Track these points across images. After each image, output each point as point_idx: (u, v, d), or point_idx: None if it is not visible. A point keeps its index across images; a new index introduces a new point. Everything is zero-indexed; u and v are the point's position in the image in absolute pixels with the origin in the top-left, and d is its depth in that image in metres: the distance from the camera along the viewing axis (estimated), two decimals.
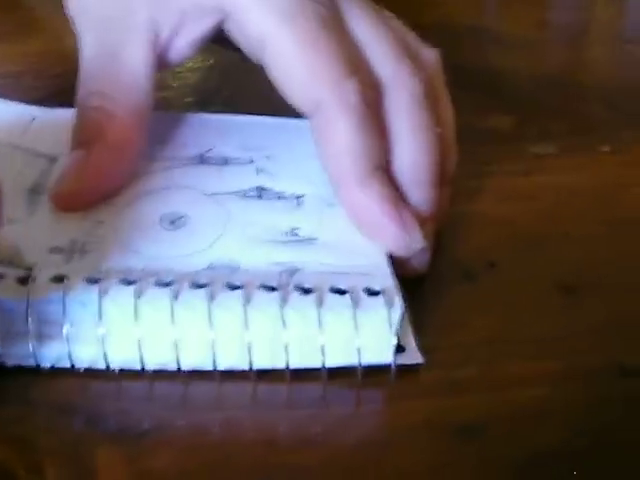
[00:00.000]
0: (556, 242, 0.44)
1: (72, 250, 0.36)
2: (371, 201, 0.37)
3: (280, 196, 0.40)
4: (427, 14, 0.70)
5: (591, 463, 0.32)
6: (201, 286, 0.34)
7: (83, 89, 0.41)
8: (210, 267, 0.36)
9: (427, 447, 0.33)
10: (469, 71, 0.57)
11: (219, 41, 0.42)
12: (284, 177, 0.41)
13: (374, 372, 0.35)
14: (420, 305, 0.38)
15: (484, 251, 0.42)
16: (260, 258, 0.36)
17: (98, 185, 0.39)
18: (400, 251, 0.38)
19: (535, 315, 0.39)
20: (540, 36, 0.71)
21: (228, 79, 0.56)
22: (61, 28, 0.56)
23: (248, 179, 0.41)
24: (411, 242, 0.37)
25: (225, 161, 0.42)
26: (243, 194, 0.40)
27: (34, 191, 0.40)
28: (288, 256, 0.37)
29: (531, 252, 0.43)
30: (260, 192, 0.40)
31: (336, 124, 0.37)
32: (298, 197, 0.40)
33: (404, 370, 0.35)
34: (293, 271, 0.36)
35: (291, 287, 0.35)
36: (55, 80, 0.54)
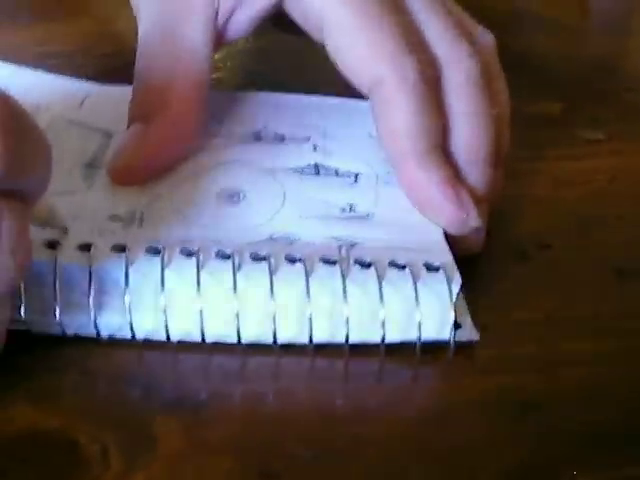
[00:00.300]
0: (610, 225, 0.44)
1: (131, 219, 0.37)
2: (429, 180, 0.37)
3: (337, 173, 0.40)
4: None
5: None
6: (262, 259, 0.34)
7: (141, 64, 0.41)
8: (270, 239, 0.36)
9: (484, 423, 0.33)
10: (515, 55, 0.56)
11: (278, 24, 0.42)
12: (340, 155, 0.42)
13: (431, 348, 0.35)
14: (475, 284, 0.38)
15: (538, 233, 0.42)
16: (318, 232, 0.37)
17: (156, 159, 0.39)
18: (456, 229, 0.38)
19: (590, 296, 0.39)
20: (583, 22, 0.70)
21: (279, 61, 0.56)
22: (112, 9, 0.57)
23: (305, 156, 0.41)
24: (467, 220, 0.38)
25: (282, 138, 0.43)
26: (300, 171, 0.40)
27: (91, 165, 0.40)
28: (346, 231, 0.37)
29: (585, 234, 0.43)
30: (317, 169, 0.41)
31: (395, 101, 0.37)
32: (355, 174, 0.40)
33: (460, 347, 0.35)
34: (352, 245, 0.36)
35: (351, 261, 0.35)
36: (106, 59, 0.54)
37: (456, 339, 0.35)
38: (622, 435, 0.33)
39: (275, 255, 0.35)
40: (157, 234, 0.36)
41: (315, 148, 0.42)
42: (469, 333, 0.35)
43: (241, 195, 0.39)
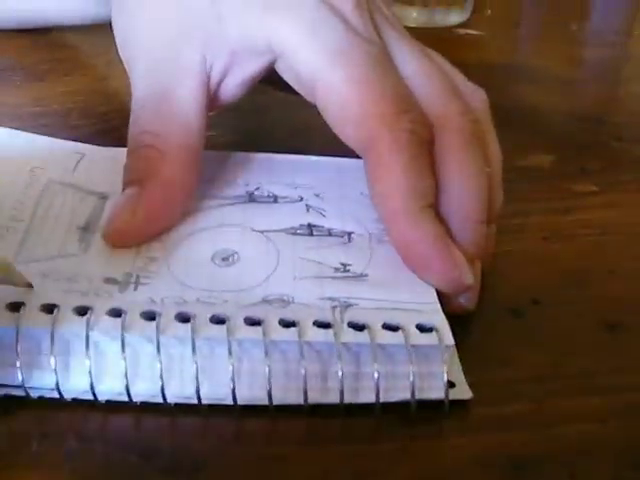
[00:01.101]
0: (600, 279, 0.44)
1: (127, 282, 0.37)
2: (421, 239, 0.38)
3: (330, 233, 0.41)
4: (462, 53, 0.70)
5: None
6: (256, 323, 0.35)
7: (135, 128, 0.41)
8: (264, 300, 0.36)
9: None
10: (506, 109, 0.57)
11: (270, 82, 0.43)
12: (333, 214, 0.42)
13: (425, 407, 0.35)
14: (467, 342, 0.38)
15: (529, 289, 0.43)
16: (313, 293, 0.37)
17: (151, 223, 0.40)
18: (449, 288, 0.38)
19: (581, 351, 0.39)
20: (575, 73, 0.71)
21: (273, 118, 0.57)
22: (105, 68, 0.58)
23: (298, 216, 0.42)
24: (461, 279, 0.38)
25: (274, 199, 0.43)
26: (294, 231, 0.41)
27: (86, 229, 0.40)
28: (340, 292, 0.37)
29: (575, 289, 0.43)
30: (310, 229, 0.41)
31: (388, 162, 0.38)
32: (349, 234, 0.41)
33: (454, 406, 0.36)
34: (346, 306, 0.36)
35: (345, 324, 0.35)
36: (100, 119, 0.55)
37: (450, 398, 0.35)
38: None
39: (269, 318, 0.35)
40: (153, 295, 0.36)
41: (308, 209, 0.42)
42: (463, 391, 0.36)
43: (235, 257, 0.39)
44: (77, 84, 0.60)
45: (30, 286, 0.35)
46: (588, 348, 0.40)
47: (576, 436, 0.35)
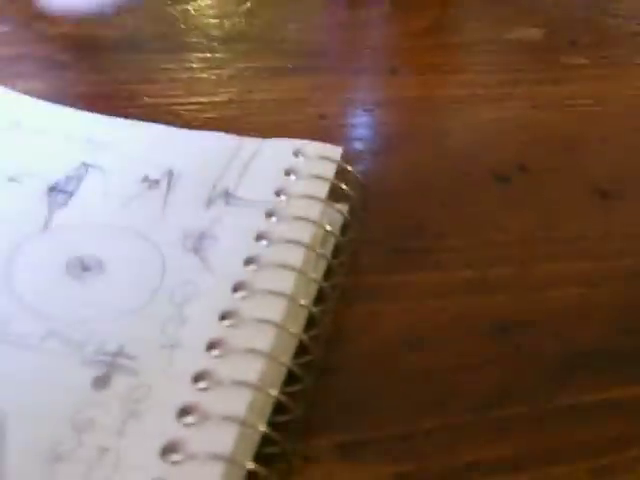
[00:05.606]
0: (591, 147, 0.42)
1: None
2: None
3: None
4: None
5: (634, 361, 0.31)
6: None
7: None
8: None
9: (464, 344, 0.31)
10: None
11: None
12: None
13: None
14: (454, 207, 0.36)
15: (516, 154, 0.40)
16: None
17: None
18: None
19: (570, 217, 0.37)
20: None
21: None
22: None
23: None
24: None
25: None
26: None
27: None
28: None
29: (566, 156, 0.41)
30: None
31: None
32: None
33: (435, 267, 0.33)
34: None
35: None
36: None
37: None
38: (606, 356, 0.31)
39: None
40: None
41: None
42: None
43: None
44: None
45: None
46: (577, 214, 0.37)
47: (563, 300, 0.33)
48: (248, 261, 0.31)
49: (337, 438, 0.28)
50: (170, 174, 0.35)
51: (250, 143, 0.37)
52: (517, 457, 0.28)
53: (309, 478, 0.26)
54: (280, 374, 0.28)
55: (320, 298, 0.31)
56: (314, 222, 0.32)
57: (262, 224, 0.32)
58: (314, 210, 0.33)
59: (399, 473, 0.27)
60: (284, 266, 0.30)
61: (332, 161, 0.35)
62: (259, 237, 0.32)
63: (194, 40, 0.48)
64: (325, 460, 0.27)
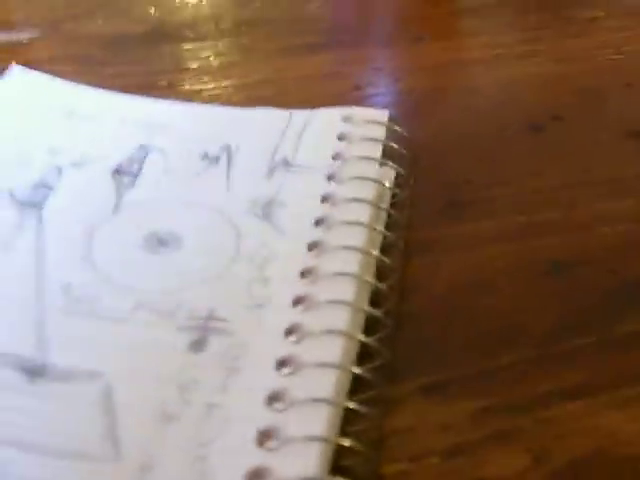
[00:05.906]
0: (619, 93, 0.43)
1: None
2: None
3: None
4: None
5: None
6: None
7: None
8: None
9: (521, 286, 0.33)
10: None
11: None
12: None
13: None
14: (495, 160, 0.38)
15: (547, 106, 0.42)
16: None
17: None
18: None
19: (606, 159, 0.39)
20: None
21: None
22: None
23: None
24: None
25: None
26: None
27: None
28: None
29: (595, 103, 0.42)
30: None
31: None
32: None
33: (485, 214, 0.35)
34: None
35: None
36: None
37: None
38: None
39: None
40: None
41: None
42: None
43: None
44: None
45: None
46: (613, 156, 0.39)
47: (612, 236, 0.35)
48: (318, 222, 0.33)
49: (422, 380, 0.29)
50: (228, 149, 0.37)
51: (299, 114, 0.39)
52: (589, 383, 0.29)
53: (402, 419, 0.28)
54: (362, 322, 0.30)
55: (386, 250, 0.33)
56: (373, 180, 0.34)
57: (325, 187, 0.34)
58: (371, 169, 0.35)
59: (483, 407, 0.28)
60: (353, 223, 0.32)
61: (380, 124, 0.37)
62: (324, 199, 0.34)
63: (221, 26, 0.50)
64: (413, 401, 0.28)
